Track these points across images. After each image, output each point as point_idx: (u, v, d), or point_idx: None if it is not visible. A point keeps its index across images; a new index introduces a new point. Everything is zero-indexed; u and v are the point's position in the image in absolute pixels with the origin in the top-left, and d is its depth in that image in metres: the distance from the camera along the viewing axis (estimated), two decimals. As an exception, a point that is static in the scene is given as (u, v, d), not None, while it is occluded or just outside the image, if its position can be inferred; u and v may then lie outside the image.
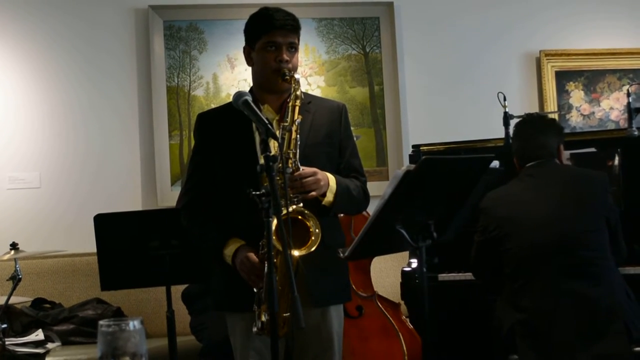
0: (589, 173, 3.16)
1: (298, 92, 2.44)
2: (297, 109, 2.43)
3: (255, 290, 2.37)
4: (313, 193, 2.40)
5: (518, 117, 3.93)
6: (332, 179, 2.48)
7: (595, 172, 3.15)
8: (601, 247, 2.96)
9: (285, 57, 2.50)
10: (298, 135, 2.41)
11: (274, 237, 2.13)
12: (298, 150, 2.40)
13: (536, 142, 3.14)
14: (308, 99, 2.62)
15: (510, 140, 3.31)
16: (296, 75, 2.48)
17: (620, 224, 3.08)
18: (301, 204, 2.36)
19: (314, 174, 2.40)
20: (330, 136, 2.61)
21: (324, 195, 2.45)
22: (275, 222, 2.09)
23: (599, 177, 3.11)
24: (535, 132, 3.17)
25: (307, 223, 2.34)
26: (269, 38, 2.51)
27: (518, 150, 3.21)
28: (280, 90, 2.53)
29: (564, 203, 3.01)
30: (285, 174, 2.28)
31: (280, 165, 2.18)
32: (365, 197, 2.65)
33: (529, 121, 3.27)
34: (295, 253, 2.27)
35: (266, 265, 2.30)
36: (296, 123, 2.41)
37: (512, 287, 3.00)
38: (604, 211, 3.02)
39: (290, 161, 2.37)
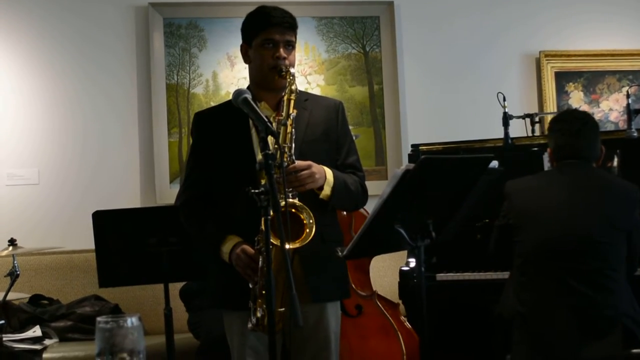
0: (622, 185, 3.08)
1: (293, 87, 2.45)
2: (292, 102, 2.44)
3: (250, 286, 2.38)
4: (308, 186, 2.40)
5: (518, 117, 3.94)
6: (329, 172, 2.49)
7: (630, 186, 3.04)
8: (615, 260, 2.91)
9: (283, 54, 2.51)
10: (293, 130, 2.41)
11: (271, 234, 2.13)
12: (293, 145, 2.41)
13: (583, 141, 3.03)
14: (305, 97, 2.63)
15: (550, 128, 3.14)
16: (291, 70, 2.49)
17: None
18: (296, 199, 2.36)
19: (309, 167, 2.40)
20: (328, 133, 2.61)
21: (321, 188, 2.46)
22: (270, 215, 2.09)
23: (631, 191, 3.02)
24: (586, 130, 3.05)
25: (301, 215, 2.34)
26: (266, 35, 2.52)
27: (561, 145, 3.06)
28: (278, 87, 2.53)
29: (588, 209, 2.95)
30: (282, 168, 2.28)
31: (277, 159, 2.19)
32: (364, 192, 2.65)
33: (580, 119, 3.10)
34: (290, 246, 2.26)
35: (260, 261, 2.31)
36: (291, 117, 2.42)
37: (519, 279, 2.99)
38: (628, 226, 2.95)
39: (285, 155, 2.37)
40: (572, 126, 3.06)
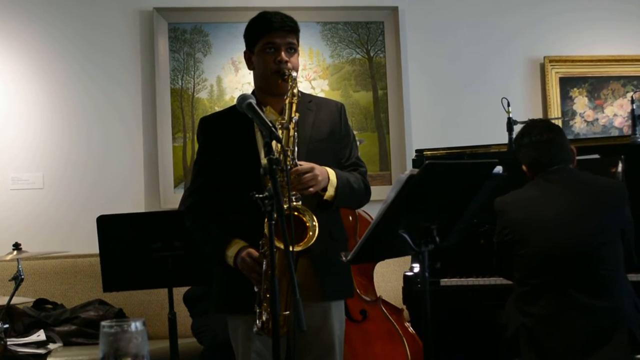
0: (608, 183, 3.11)
1: (295, 90, 2.46)
2: (294, 105, 2.45)
3: (255, 289, 2.38)
4: (311, 189, 2.40)
5: (522, 122, 3.93)
6: (332, 172, 2.49)
7: (615, 183, 3.07)
8: (614, 259, 2.92)
9: (284, 57, 2.51)
10: (296, 133, 2.42)
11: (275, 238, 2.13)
12: (296, 148, 2.41)
13: (557, 147, 3.07)
14: (308, 98, 2.65)
15: (518, 145, 3.17)
16: (293, 74, 2.49)
17: (633, 237, 3.02)
18: (300, 202, 2.37)
19: (312, 169, 2.40)
20: (333, 133, 2.63)
21: (325, 189, 2.46)
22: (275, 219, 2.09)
23: (618, 188, 3.05)
24: (555, 136, 3.09)
25: (303, 218, 2.34)
26: (268, 39, 2.53)
27: (536, 157, 3.08)
28: (281, 91, 2.54)
29: (581, 213, 2.96)
30: (286, 172, 2.29)
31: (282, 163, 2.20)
32: (366, 189, 2.65)
33: (547, 127, 3.15)
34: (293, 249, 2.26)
35: (264, 265, 2.31)
36: (293, 120, 2.42)
37: (520, 291, 2.99)
38: (621, 223, 2.97)
39: (288, 159, 2.37)
40: (541, 136, 3.09)
